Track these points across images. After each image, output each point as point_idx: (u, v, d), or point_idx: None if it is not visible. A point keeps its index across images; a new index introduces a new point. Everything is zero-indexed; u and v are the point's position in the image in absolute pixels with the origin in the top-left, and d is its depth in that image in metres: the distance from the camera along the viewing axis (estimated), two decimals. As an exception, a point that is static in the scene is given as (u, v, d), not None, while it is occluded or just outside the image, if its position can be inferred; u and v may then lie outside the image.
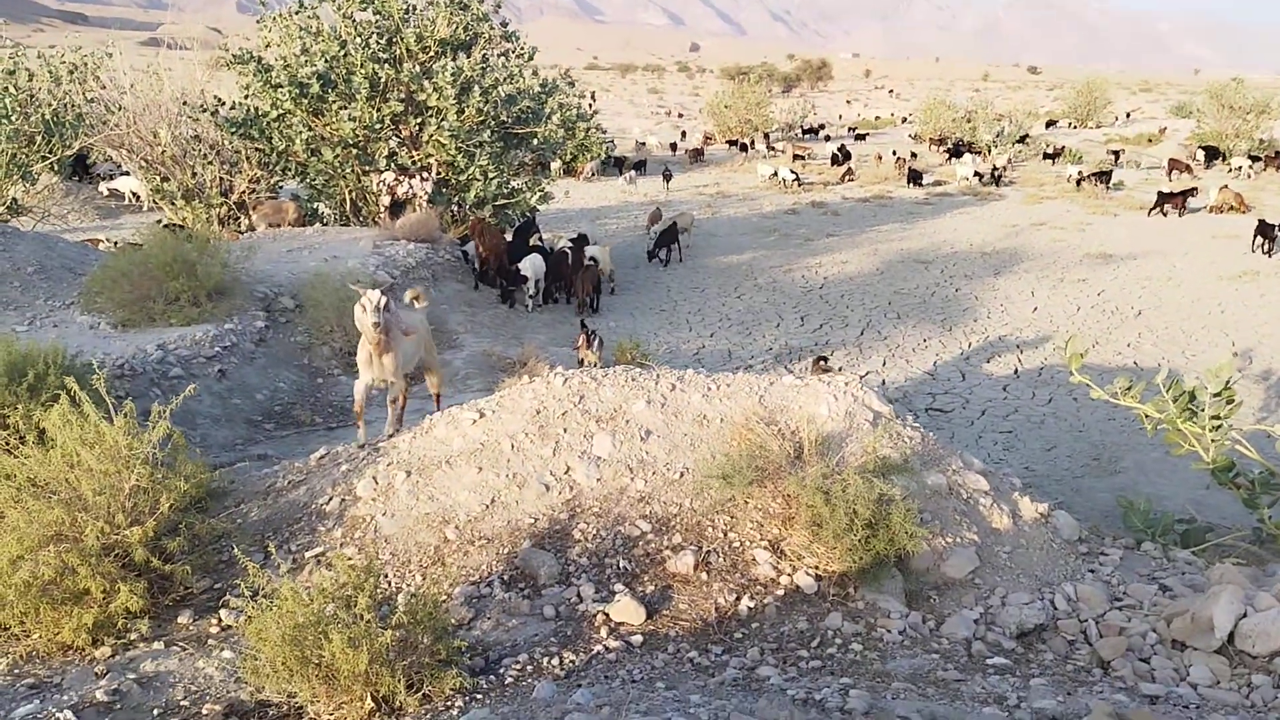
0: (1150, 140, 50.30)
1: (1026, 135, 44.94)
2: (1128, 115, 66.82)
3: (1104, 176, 31.94)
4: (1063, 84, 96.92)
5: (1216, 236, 23.87)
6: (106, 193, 24.49)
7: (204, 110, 16.68)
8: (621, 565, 5.79)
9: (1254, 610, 5.29)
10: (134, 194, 23.73)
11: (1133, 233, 24.75)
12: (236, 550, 5.16)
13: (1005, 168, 34.26)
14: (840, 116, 70.12)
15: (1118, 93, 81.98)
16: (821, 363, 10.55)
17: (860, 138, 50.77)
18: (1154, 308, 17.51)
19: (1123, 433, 11.63)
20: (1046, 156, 40.09)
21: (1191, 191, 27.87)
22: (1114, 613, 5.79)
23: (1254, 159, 37.07)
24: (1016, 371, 14.18)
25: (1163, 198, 27.22)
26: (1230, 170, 35.91)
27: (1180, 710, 4.50)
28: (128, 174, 23.05)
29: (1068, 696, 4.66)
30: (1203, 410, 7.37)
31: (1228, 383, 7.31)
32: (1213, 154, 39.25)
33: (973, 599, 5.97)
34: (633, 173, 34.01)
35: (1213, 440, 7.37)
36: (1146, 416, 7.76)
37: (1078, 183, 32.06)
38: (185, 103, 16.89)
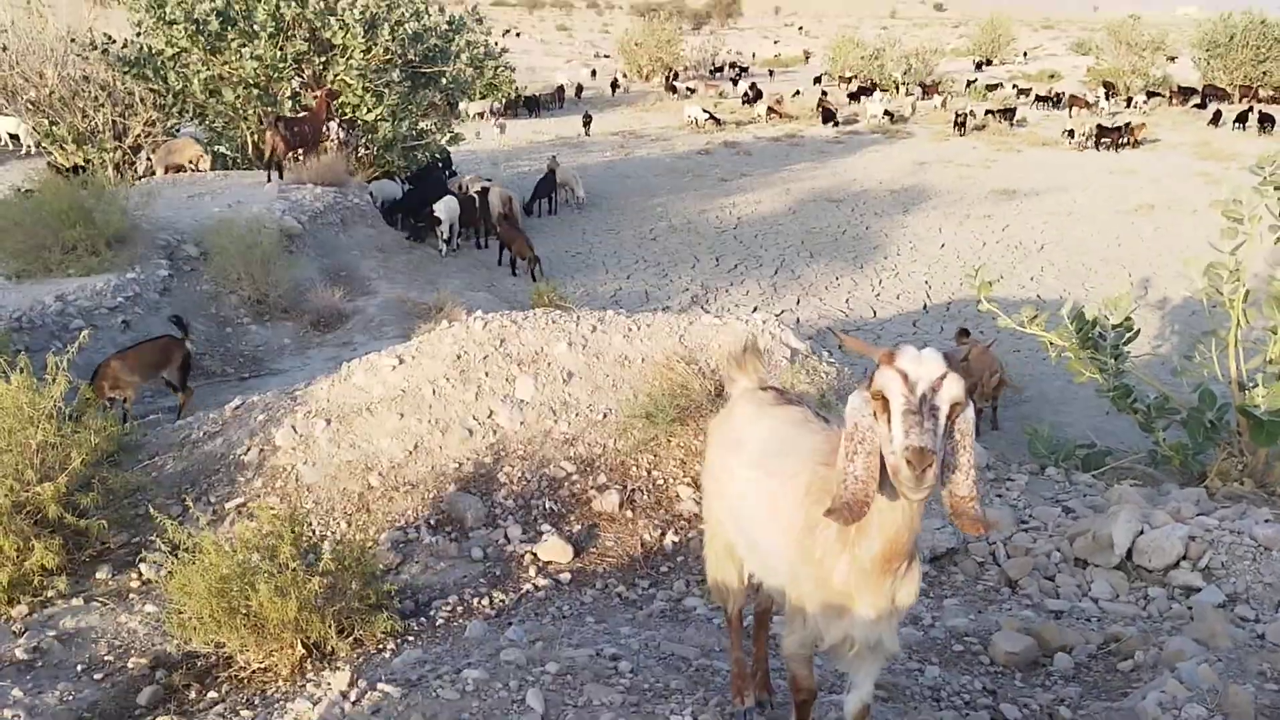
0: (1051, 77, 51.37)
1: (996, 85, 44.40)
2: (1024, 54, 67.90)
3: (1008, 114, 32.58)
4: (967, 21, 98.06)
5: (1114, 172, 24.60)
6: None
7: (93, 48, 15.90)
8: (548, 506, 5.84)
9: (1150, 528, 5.58)
10: (11, 136, 22.60)
11: (1035, 169, 25.36)
12: (150, 508, 5.07)
13: (967, 113, 31.80)
14: (754, 55, 69.78)
15: (1020, 30, 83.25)
16: (964, 335, 10.84)
17: (849, 80, 44.98)
18: (1055, 242, 18.04)
19: (1026, 363, 12.03)
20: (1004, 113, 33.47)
21: (1126, 127, 28.59)
22: (1020, 534, 6.05)
23: (1151, 94, 38.22)
24: (925, 307, 14.52)
25: (1102, 132, 28.01)
26: (1134, 106, 36.95)
27: (1083, 623, 4.75)
28: (4, 113, 21.90)
29: (979, 615, 4.88)
30: (1104, 340, 7.66)
31: (1127, 312, 7.60)
32: (1110, 89, 40.38)
33: (888, 526, 6.17)
34: (502, 120, 31.79)
35: (1113, 368, 7.68)
36: (1051, 345, 8.03)
37: (958, 126, 31.01)
38: (73, 40, 16.08)
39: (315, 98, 14.95)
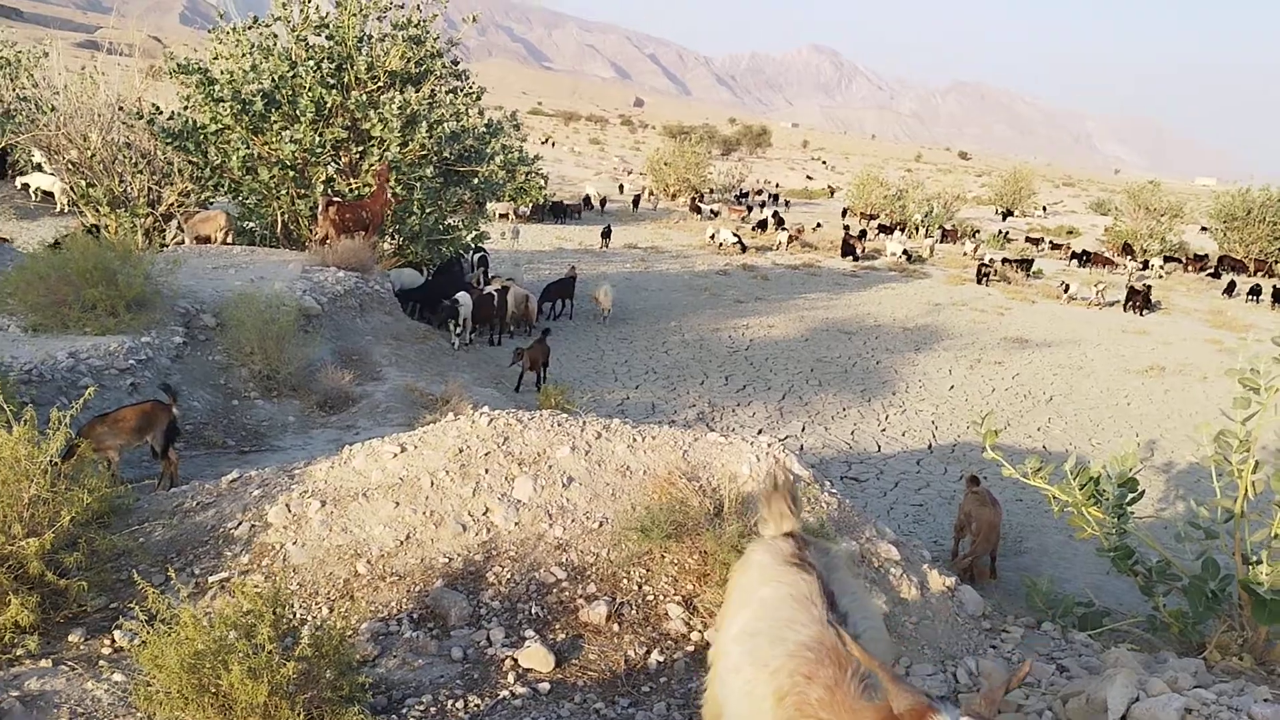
0: (1070, 233, 52.29)
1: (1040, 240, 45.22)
2: (1044, 209, 69.25)
3: (1025, 264, 33.03)
4: (991, 171, 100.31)
5: (1126, 331, 24.78)
6: (20, 186, 23.79)
7: (140, 117, 16.34)
8: (534, 611, 5.74)
9: (1146, 695, 5.43)
10: (45, 191, 23.08)
11: (1049, 320, 25.58)
12: (135, 574, 4.99)
13: (989, 263, 31.80)
14: (777, 185, 71.37)
15: (1042, 184, 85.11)
16: (974, 483, 10.57)
17: (871, 218, 46.24)
18: (1064, 395, 18.07)
19: (1029, 514, 11.92)
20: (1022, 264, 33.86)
21: (1148, 289, 28.84)
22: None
23: (1167, 259, 38.79)
24: (930, 446, 14.47)
25: (1132, 294, 28.27)
26: (1150, 268, 37.49)
27: (1072, 789, 4.59)
28: (40, 169, 22.42)
29: (965, 770, 4.72)
30: (1107, 497, 7.60)
31: (1132, 471, 7.56)
32: (1127, 251, 41.06)
33: (878, 667, 6.02)
34: (515, 225, 32.52)
35: (1116, 527, 7.60)
36: (1054, 498, 7.97)
37: (980, 277, 31.00)
38: (121, 108, 16.53)
39: (375, 177, 15.31)
